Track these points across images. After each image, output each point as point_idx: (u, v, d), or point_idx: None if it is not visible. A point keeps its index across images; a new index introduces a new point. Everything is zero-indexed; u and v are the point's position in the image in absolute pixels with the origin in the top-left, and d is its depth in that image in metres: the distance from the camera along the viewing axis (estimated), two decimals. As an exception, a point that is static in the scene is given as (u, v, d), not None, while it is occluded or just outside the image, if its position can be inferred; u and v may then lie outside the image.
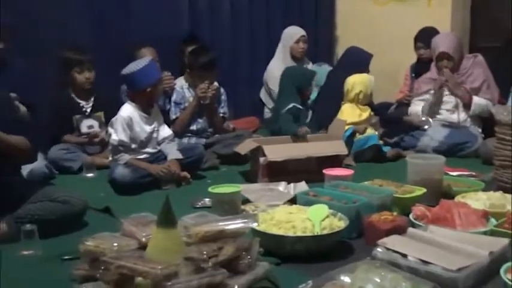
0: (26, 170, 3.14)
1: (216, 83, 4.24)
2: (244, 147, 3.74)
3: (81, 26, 4.49)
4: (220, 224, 2.03)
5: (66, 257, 2.35)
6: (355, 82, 4.25)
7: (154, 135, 3.65)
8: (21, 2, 4.14)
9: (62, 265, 2.31)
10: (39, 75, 4.15)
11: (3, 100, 2.87)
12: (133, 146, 3.54)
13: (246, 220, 2.07)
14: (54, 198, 2.71)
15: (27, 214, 2.62)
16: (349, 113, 4.22)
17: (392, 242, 2.22)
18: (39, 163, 3.39)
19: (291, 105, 4.27)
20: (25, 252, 2.45)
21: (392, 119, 4.78)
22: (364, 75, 4.36)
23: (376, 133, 4.28)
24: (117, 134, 3.47)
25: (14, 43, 3.83)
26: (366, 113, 4.30)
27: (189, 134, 4.28)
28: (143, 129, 3.58)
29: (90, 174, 3.80)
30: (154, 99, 3.67)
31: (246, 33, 5.63)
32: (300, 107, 4.35)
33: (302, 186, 3.23)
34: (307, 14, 6.04)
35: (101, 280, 1.87)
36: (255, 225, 2.15)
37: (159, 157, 3.63)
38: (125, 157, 3.46)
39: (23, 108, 3.60)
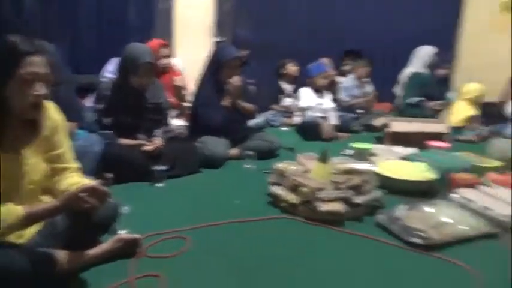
0: (251, 122, 3.29)
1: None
2: (379, 121, 3.71)
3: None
4: (355, 164, 2.11)
5: (266, 171, 2.46)
6: None
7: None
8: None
9: (263, 175, 2.40)
10: (263, 71, 4.32)
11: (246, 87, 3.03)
12: None
13: (370, 165, 2.12)
14: (264, 139, 2.90)
15: (249, 146, 2.82)
16: None
17: (466, 191, 2.12)
18: (259, 119, 3.63)
19: None
20: (247, 166, 2.65)
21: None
22: None
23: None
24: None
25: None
26: None
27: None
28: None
29: (284, 128, 3.89)
30: None
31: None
32: None
33: (413, 150, 3.08)
34: None
35: (283, 185, 2.05)
36: (374, 168, 2.19)
37: None
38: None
39: (253, 88, 3.64)
